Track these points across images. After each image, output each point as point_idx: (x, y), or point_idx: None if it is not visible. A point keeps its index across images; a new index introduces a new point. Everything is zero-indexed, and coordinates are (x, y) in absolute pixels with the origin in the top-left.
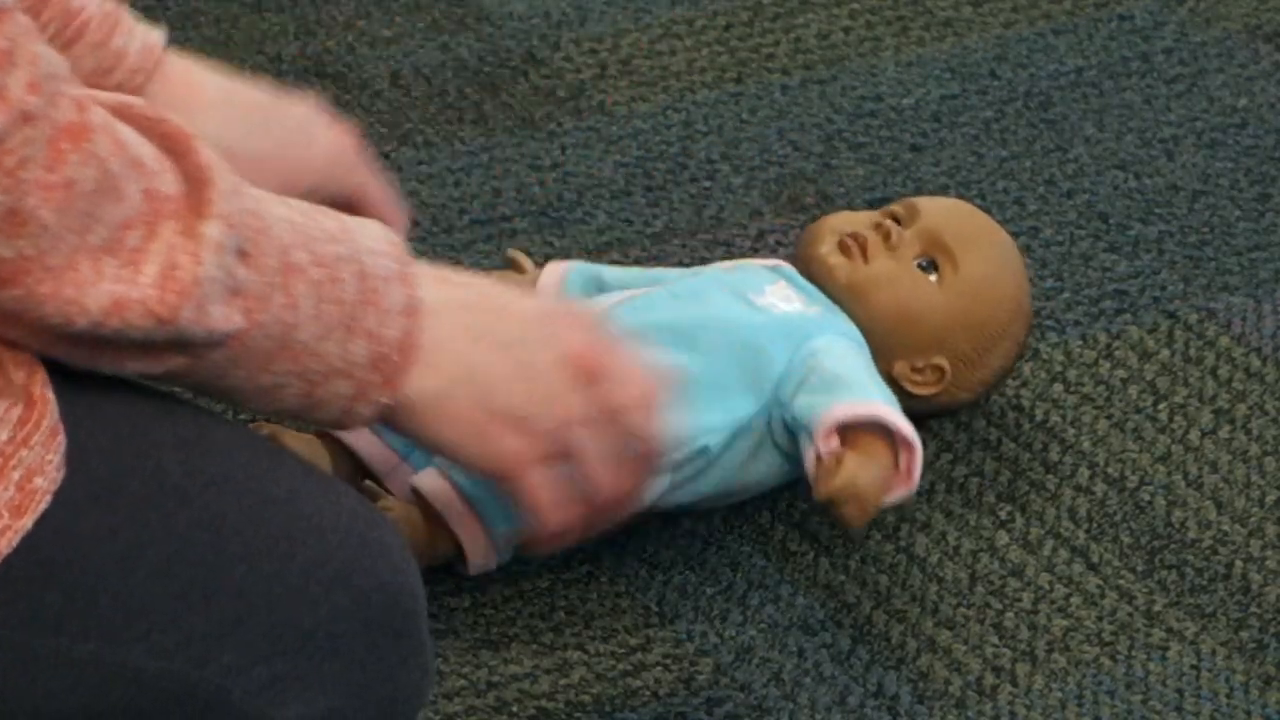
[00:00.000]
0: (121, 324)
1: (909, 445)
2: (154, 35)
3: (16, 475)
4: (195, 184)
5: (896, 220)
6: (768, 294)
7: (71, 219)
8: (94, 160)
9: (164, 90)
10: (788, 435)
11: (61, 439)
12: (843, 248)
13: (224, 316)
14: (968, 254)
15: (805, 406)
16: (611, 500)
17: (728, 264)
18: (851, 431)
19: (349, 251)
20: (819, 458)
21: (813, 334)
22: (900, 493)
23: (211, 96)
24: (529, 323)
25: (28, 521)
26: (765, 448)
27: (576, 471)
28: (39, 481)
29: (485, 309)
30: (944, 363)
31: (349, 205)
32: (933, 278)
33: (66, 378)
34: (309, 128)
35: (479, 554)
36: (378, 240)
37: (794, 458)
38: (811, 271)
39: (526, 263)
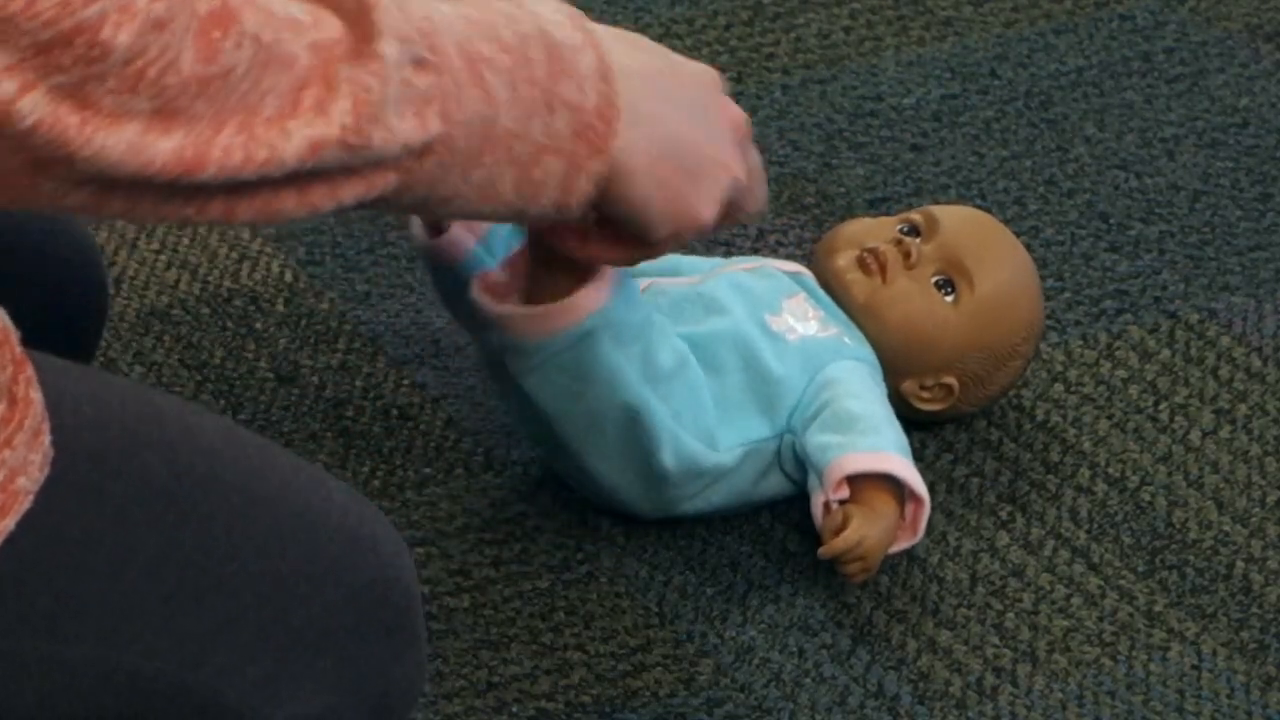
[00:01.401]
0: (317, 162)
1: (918, 499)
2: None
3: (0, 476)
4: (355, 15)
5: (916, 231)
6: (784, 312)
7: (235, 100)
8: (247, 39)
9: None
10: (796, 463)
11: (45, 439)
12: (862, 264)
13: (419, 127)
14: (985, 275)
15: (818, 447)
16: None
17: (750, 263)
18: (861, 481)
19: (531, 29)
20: (827, 506)
21: (828, 361)
22: (904, 543)
23: None
24: (700, 86)
25: (10, 522)
26: (774, 471)
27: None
28: (22, 482)
29: (663, 71)
30: (953, 382)
31: None
32: (949, 298)
33: (51, 379)
34: None
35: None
36: (556, 11)
37: (801, 483)
38: (828, 282)
39: None
